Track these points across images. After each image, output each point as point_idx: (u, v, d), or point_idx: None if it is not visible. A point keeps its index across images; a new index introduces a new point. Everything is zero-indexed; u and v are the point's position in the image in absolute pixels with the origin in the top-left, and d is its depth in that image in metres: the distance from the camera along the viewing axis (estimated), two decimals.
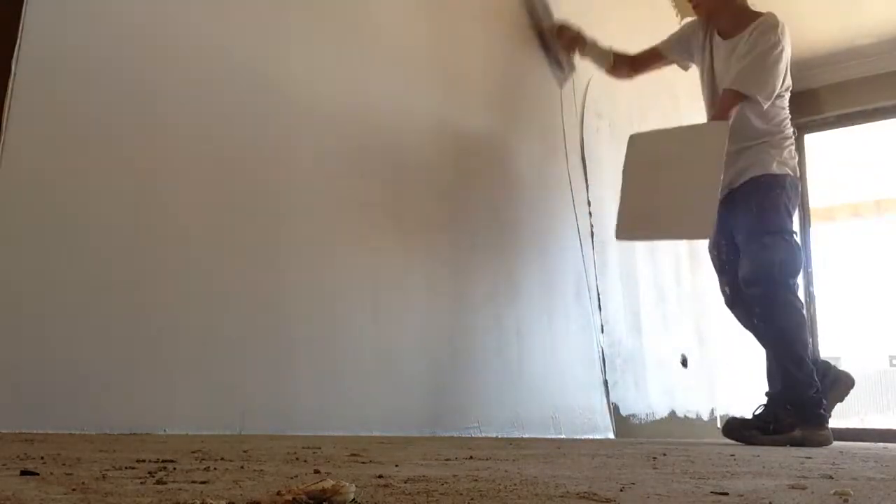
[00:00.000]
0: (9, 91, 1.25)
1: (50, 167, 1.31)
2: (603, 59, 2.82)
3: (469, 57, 2.40)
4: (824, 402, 2.43)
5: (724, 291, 2.66)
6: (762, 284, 2.40)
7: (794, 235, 2.48)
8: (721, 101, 2.43)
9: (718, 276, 2.68)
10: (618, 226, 2.47)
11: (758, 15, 2.55)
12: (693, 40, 2.71)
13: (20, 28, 1.28)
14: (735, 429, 2.44)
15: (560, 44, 2.82)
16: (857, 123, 5.19)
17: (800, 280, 2.61)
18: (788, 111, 2.58)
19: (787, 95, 2.57)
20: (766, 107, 2.43)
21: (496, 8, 2.57)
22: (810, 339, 2.60)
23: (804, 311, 2.47)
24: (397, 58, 2.11)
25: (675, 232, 2.54)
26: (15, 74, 1.27)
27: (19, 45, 1.28)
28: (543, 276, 2.58)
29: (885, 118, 5.09)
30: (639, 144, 2.50)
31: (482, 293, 2.29)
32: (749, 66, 2.41)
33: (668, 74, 2.93)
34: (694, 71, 2.78)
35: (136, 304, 1.40)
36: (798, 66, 5.25)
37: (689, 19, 3.00)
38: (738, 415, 2.64)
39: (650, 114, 3.36)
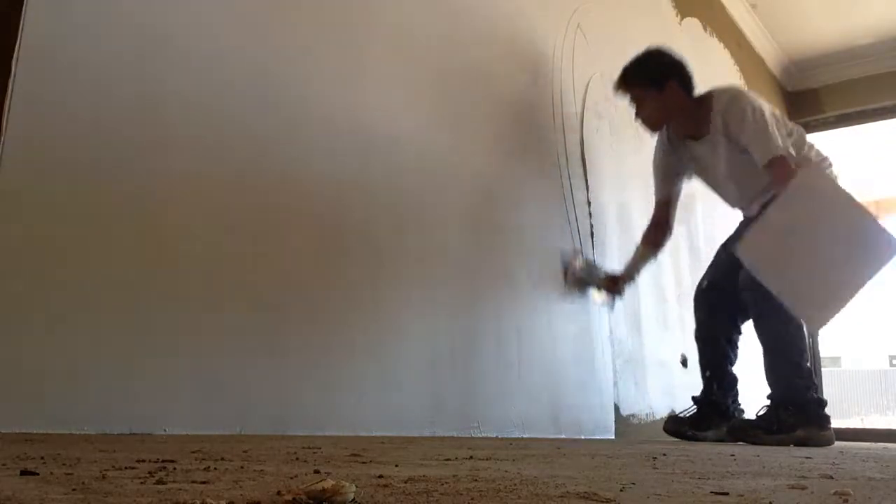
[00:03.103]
0: (9, 91, 1.25)
1: (50, 167, 1.31)
2: (645, 264, 2.81)
3: (466, 61, 2.39)
4: (825, 401, 2.46)
5: (700, 283, 2.73)
6: (760, 288, 2.39)
7: None
8: (775, 174, 2.40)
9: (708, 268, 2.75)
10: (746, 244, 2.35)
11: (708, 99, 2.54)
12: (672, 162, 2.70)
13: (20, 28, 1.28)
14: (739, 429, 2.49)
15: (613, 291, 2.77)
16: (857, 123, 5.20)
17: None
18: (807, 147, 2.60)
19: (795, 137, 2.58)
20: (794, 153, 2.45)
21: (498, 12, 2.57)
22: (808, 342, 2.64)
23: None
24: (398, 65, 2.11)
25: (792, 300, 2.31)
26: (15, 74, 1.27)
27: (19, 45, 1.28)
28: (543, 276, 2.58)
29: (885, 118, 5.09)
30: (808, 178, 2.37)
31: (482, 293, 2.29)
32: (754, 135, 2.41)
33: None
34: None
35: (135, 303, 1.40)
36: (798, 66, 5.28)
37: (689, 19, 3.01)
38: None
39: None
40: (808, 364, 2.50)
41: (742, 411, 2.68)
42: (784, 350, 2.44)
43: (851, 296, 2.26)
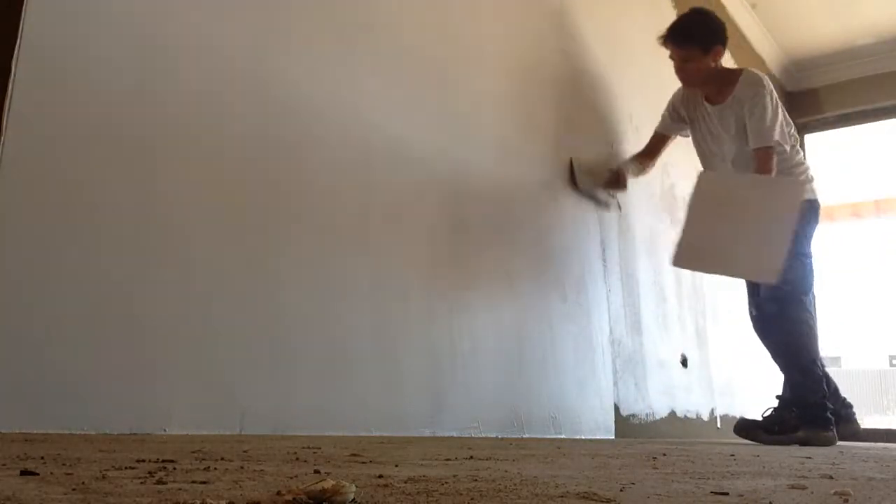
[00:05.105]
0: (9, 91, 1.25)
1: (50, 167, 1.31)
2: (637, 173, 3.02)
3: (472, 59, 2.39)
4: (830, 405, 2.54)
5: (751, 313, 2.82)
6: (777, 301, 2.59)
7: (808, 258, 2.66)
8: (759, 161, 2.61)
9: (749, 298, 2.84)
10: (676, 254, 2.62)
11: (736, 74, 2.75)
12: (682, 110, 2.90)
13: (20, 28, 1.28)
14: (744, 428, 2.64)
15: (610, 190, 2.99)
16: (857, 123, 5.20)
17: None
18: (802, 156, 2.83)
19: (797, 146, 2.78)
20: (788, 149, 2.65)
21: (510, 4, 2.57)
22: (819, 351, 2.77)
23: (814, 325, 2.65)
24: (401, 61, 2.11)
25: (741, 271, 2.63)
26: (15, 74, 1.27)
27: (19, 45, 1.28)
28: (544, 276, 2.58)
29: (885, 118, 5.10)
30: (707, 183, 2.67)
31: (482, 293, 2.29)
32: (759, 124, 2.60)
33: (666, 77, 2.93)
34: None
35: (136, 303, 1.40)
36: (798, 66, 5.28)
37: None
38: (746, 415, 2.83)
39: (648, 119, 3.36)
40: (820, 369, 2.62)
41: (850, 405, 2.76)
42: (797, 354, 2.58)
43: (787, 242, 2.47)
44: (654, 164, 3.05)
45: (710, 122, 2.78)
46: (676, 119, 2.93)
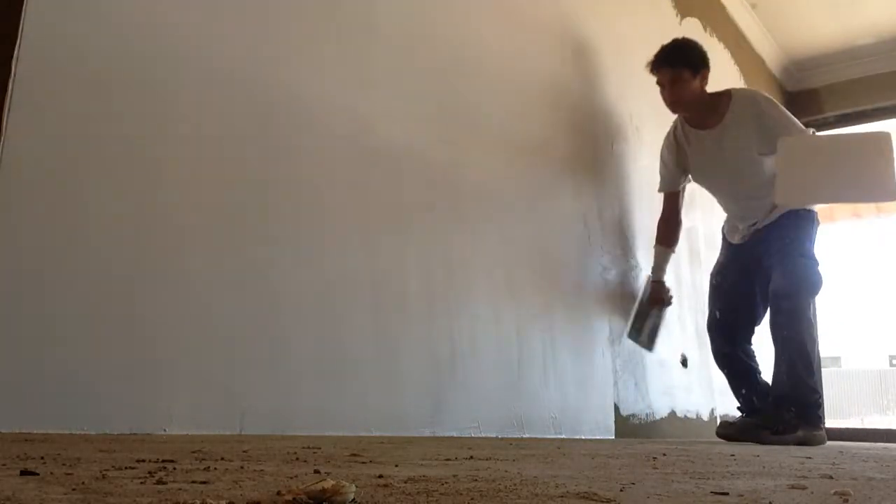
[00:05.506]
0: (9, 91, 1.25)
1: (50, 167, 1.31)
2: (670, 256, 3.03)
3: (474, 61, 2.39)
4: (822, 404, 2.60)
5: (713, 314, 2.91)
6: (792, 298, 2.63)
7: (818, 263, 2.73)
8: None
9: (712, 300, 2.94)
10: (778, 192, 2.60)
11: (726, 95, 2.81)
12: (677, 156, 2.93)
13: (20, 28, 1.28)
14: (745, 429, 2.64)
15: (664, 304, 3.01)
16: (857, 123, 5.19)
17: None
18: None
19: None
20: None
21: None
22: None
23: (815, 327, 2.76)
24: (400, 57, 2.11)
25: (855, 194, 2.65)
26: (15, 74, 1.27)
27: (19, 45, 1.28)
28: (544, 276, 2.58)
29: (885, 118, 5.09)
30: (790, 143, 2.64)
31: (482, 293, 2.29)
32: (785, 125, 2.69)
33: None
34: None
35: (136, 303, 1.40)
36: (798, 66, 5.28)
37: (689, 19, 3.04)
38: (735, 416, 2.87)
39: (647, 118, 3.36)
40: (818, 371, 2.69)
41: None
42: (804, 356, 2.59)
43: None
44: (680, 225, 3.02)
45: (711, 148, 2.81)
46: (675, 167, 2.94)
